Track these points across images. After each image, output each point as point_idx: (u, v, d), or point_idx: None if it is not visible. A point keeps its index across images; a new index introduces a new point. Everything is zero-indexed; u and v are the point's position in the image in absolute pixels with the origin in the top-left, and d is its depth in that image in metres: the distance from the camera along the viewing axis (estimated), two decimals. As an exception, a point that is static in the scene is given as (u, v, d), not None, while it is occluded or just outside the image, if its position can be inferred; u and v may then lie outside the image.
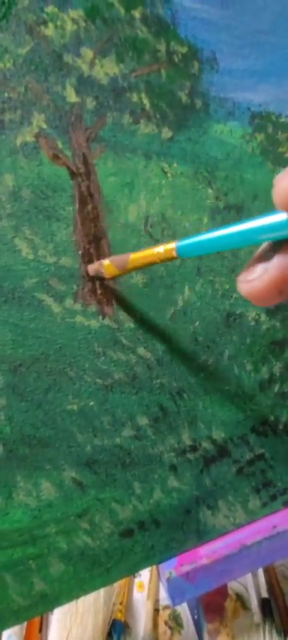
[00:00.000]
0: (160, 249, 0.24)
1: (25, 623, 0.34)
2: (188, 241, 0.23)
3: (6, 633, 0.34)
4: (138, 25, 0.37)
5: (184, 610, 0.38)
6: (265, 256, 0.17)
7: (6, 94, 0.31)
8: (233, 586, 0.42)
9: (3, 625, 0.24)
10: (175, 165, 0.36)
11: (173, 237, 0.36)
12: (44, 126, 0.33)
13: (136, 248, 0.31)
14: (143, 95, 0.37)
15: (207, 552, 0.30)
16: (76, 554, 0.25)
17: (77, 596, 0.26)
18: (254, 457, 0.31)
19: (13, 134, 0.31)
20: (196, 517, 0.29)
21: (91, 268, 0.28)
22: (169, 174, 0.35)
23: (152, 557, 0.27)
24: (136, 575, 0.42)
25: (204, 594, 0.36)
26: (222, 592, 0.41)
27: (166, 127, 0.37)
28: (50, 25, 0.34)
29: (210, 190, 0.33)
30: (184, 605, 0.39)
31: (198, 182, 0.33)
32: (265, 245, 0.18)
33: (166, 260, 0.24)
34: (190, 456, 0.29)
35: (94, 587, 0.26)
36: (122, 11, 0.37)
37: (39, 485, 0.25)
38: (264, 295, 0.17)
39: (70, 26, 0.35)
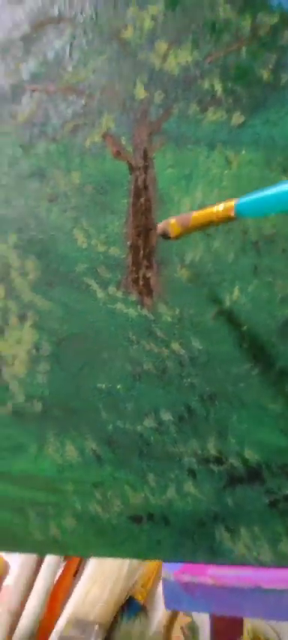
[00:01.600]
0: (219, 207, 0.29)
1: (64, 563, 0.47)
2: (248, 199, 0.26)
3: (46, 562, 0.46)
4: (221, 5, 0.43)
5: (202, 625, 0.42)
6: None
7: (83, 101, 0.43)
8: (258, 627, 0.44)
9: (22, 549, 0.34)
10: (243, 152, 0.39)
11: (229, 232, 0.40)
12: (112, 125, 0.43)
13: (185, 241, 0.35)
14: (216, 80, 0.42)
15: (214, 573, 0.32)
16: (87, 517, 0.33)
17: (84, 555, 0.34)
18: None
19: (84, 136, 0.42)
20: (211, 533, 0.32)
21: (159, 227, 0.34)
22: (233, 164, 0.39)
23: (157, 552, 0.32)
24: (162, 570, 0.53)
25: (217, 618, 0.39)
26: (236, 626, 0.41)
27: (239, 111, 0.41)
28: (129, 27, 0.44)
29: (284, 178, 0.35)
30: (206, 619, 0.42)
31: (270, 170, 0.36)
32: None
33: (224, 220, 0.29)
34: (213, 467, 0.32)
35: (99, 554, 0.33)
36: None
37: (64, 445, 0.34)
38: None
39: (147, 24, 0.44)
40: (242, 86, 0.37)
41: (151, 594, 0.46)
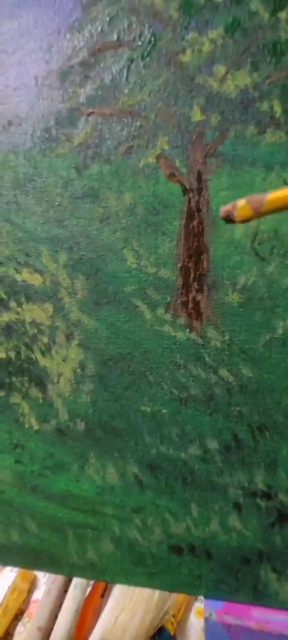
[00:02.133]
0: None
1: (92, 583, 0.49)
2: None
3: (74, 582, 0.49)
4: (282, 26, 0.46)
5: None
6: None
7: (138, 123, 0.47)
8: None
9: (59, 570, 0.34)
10: None
11: (284, 257, 0.41)
12: (166, 147, 0.46)
13: (239, 265, 0.36)
14: (275, 102, 0.44)
15: (260, 617, 0.32)
16: (125, 543, 0.34)
17: (120, 582, 0.35)
18: None
19: (138, 157, 0.44)
20: (256, 572, 0.31)
21: (223, 209, 0.31)
22: None
23: (198, 587, 0.32)
24: (198, 599, 0.49)
25: None
26: None
27: None
28: (188, 51, 0.47)
29: None
30: None
31: None
32: None
33: None
34: (260, 502, 0.32)
35: (136, 583, 0.33)
36: (267, 16, 0.46)
37: (106, 468, 0.35)
38: None
39: (206, 47, 0.47)
40: (302, 108, 0.39)
41: (181, 625, 0.47)
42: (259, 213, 0.31)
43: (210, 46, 0.42)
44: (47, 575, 0.49)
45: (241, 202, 0.31)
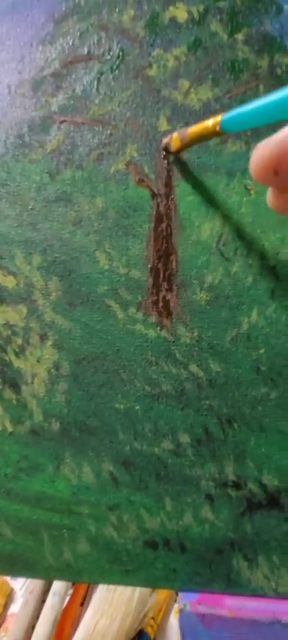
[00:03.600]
0: (209, 122, 0.31)
1: (71, 590, 0.47)
2: (232, 113, 0.28)
3: (53, 590, 0.45)
4: (240, 46, 0.46)
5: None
6: None
7: (108, 132, 0.46)
8: None
9: (35, 574, 0.32)
10: None
11: (247, 256, 0.41)
12: (135, 154, 0.45)
13: (205, 265, 0.36)
14: None
15: (232, 605, 0.31)
16: (101, 542, 0.32)
17: (96, 581, 0.33)
18: None
19: (109, 164, 0.45)
20: (229, 562, 0.30)
21: (164, 141, 0.38)
22: (252, 191, 0.40)
23: (173, 580, 0.31)
24: (177, 600, 0.47)
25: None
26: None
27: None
28: (154, 66, 0.47)
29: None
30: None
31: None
32: None
33: (213, 135, 0.32)
34: (231, 492, 0.31)
35: (113, 582, 0.31)
36: (225, 37, 0.47)
37: (81, 467, 0.34)
38: (260, 170, 0.23)
39: (171, 63, 0.47)
40: (261, 120, 0.39)
41: (161, 627, 0.44)
42: (186, 144, 0.36)
43: (174, 62, 0.42)
44: (24, 587, 0.46)
45: (175, 135, 0.37)
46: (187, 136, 0.35)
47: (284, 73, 0.39)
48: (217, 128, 0.30)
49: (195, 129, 0.34)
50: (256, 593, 0.30)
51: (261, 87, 0.39)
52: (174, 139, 0.37)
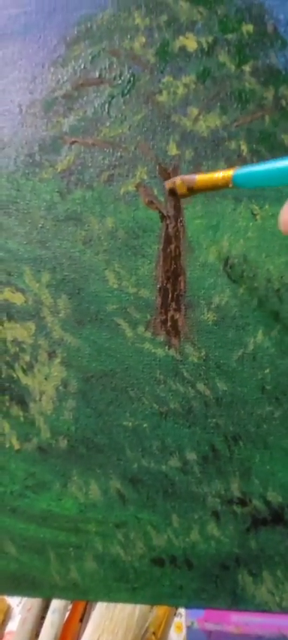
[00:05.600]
0: (219, 174, 0.31)
1: (70, 607, 0.46)
2: (245, 170, 0.29)
3: (52, 606, 0.45)
4: (247, 77, 0.49)
5: None
6: None
7: (119, 154, 0.47)
8: None
9: (40, 593, 0.32)
10: (266, 207, 0.38)
11: (253, 279, 0.43)
12: (145, 177, 0.47)
13: (213, 287, 0.37)
14: (242, 142, 0.47)
15: (238, 621, 0.31)
16: (108, 560, 0.33)
17: (103, 599, 0.34)
18: None
19: (119, 185, 0.46)
20: (234, 578, 0.31)
21: (167, 184, 0.38)
22: (257, 217, 0.41)
23: (179, 597, 0.31)
24: (177, 614, 0.47)
25: None
26: None
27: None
28: (164, 92, 0.49)
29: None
30: None
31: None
32: None
33: (224, 187, 0.32)
34: (236, 508, 0.32)
35: (119, 600, 0.32)
36: (233, 68, 0.49)
37: (88, 484, 0.34)
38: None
39: (181, 90, 0.49)
40: (266, 148, 0.41)
41: None
42: (193, 191, 0.36)
43: (184, 89, 0.43)
44: (21, 604, 0.46)
45: (178, 181, 0.37)
46: (194, 184, 0.36)
47: (289, 105, 0.41)
48: (230, 185, 0.31)
49: (204, 178, 0.35)
50: (261, 608, 0.30)
51: (266, 117, 0.41)
52: (179, 185, 0.37)
